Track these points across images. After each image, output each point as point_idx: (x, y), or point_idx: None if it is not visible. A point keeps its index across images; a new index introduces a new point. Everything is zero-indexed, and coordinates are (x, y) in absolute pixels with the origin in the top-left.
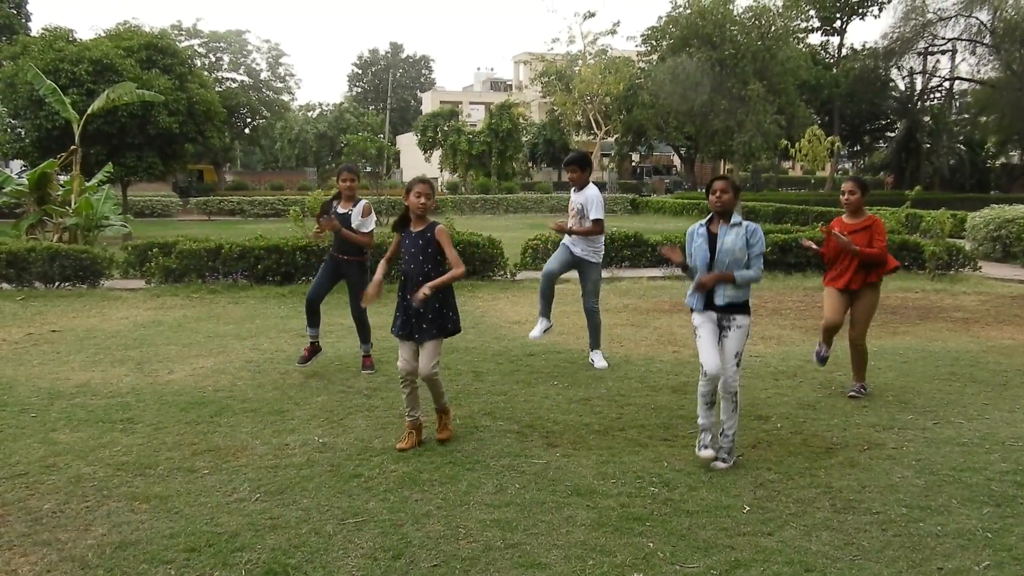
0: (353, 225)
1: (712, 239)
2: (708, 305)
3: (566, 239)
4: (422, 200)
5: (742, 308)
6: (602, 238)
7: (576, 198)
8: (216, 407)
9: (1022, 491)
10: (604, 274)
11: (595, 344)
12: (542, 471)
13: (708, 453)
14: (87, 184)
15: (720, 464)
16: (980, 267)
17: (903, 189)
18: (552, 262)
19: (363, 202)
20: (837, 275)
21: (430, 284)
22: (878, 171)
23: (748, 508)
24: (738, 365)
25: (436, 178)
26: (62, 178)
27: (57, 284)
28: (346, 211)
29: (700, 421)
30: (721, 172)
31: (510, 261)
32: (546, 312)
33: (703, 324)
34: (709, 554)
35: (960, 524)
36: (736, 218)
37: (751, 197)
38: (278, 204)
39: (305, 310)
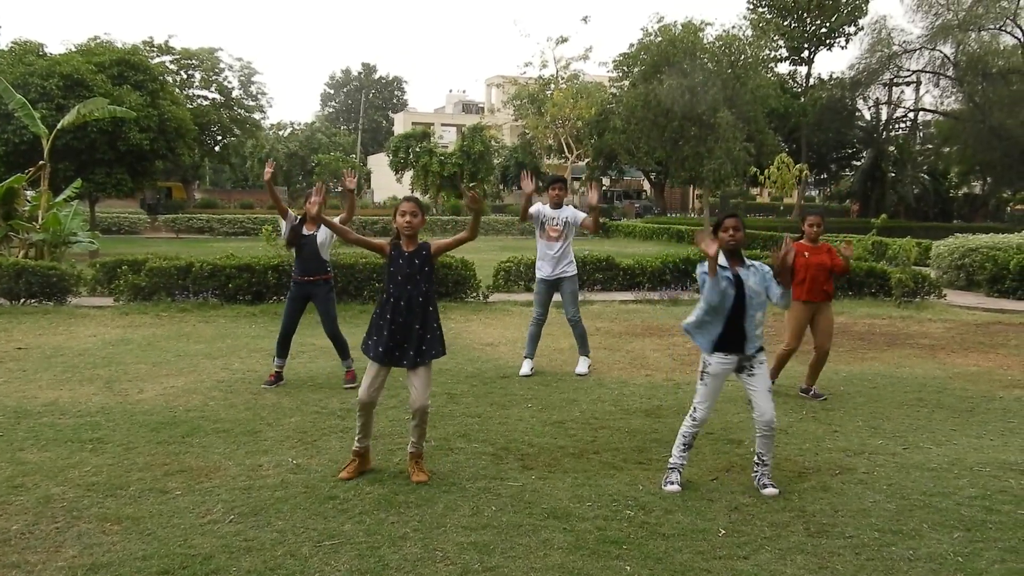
0: (318, 242)
1: (737, 282)
2: (734, 349)
3: (546, 272)
4: (407, 219)
5: (760, 347)
6: (572, 252)
7: (560, 214)
8: (187, 427)
9: (991, 516)
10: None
11: (584, 351)
12: (518, 493)
13: (675, 488)
14: (55, 200)
15: (773, 490)
16: (945, 295)
17: (868, 217)
18: (539, 308)
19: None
20: (810, 288)
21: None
22: (844, 199)
23: (723, 532)
24: (772, 400)
25: None
26: (29, 193)
27: (23, 301)
28: (310, 233)
29: (674, 460)
30: (691, 198)
31: (482, 283)
32: (533, 353)
33: (718, 375)
34: None
35: (931, 548)
36: (748, 260)
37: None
38: (248, 222)
39: (278, 341)
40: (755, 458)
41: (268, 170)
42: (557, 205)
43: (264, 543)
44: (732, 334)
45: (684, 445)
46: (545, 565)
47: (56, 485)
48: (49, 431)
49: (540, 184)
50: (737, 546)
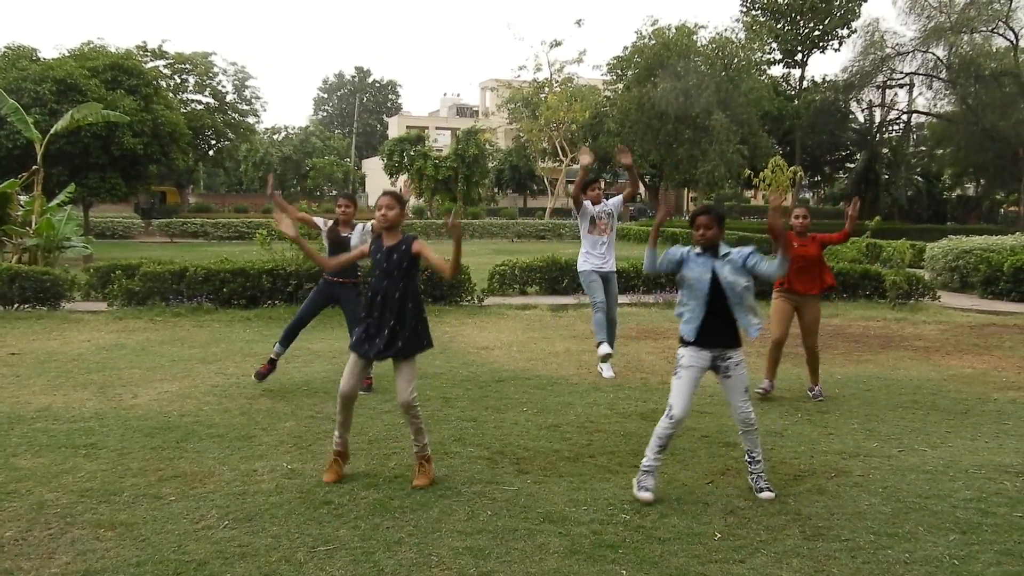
0: (351, 246)
1: (712, 276)
2: (706, 343)
3: (596, 264)
4: (382, 211)
5: (736, 342)
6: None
7: (602, 208)
8: (182, 432)
9: (986, 518)
10: (571, 300)
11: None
12: (513, 498)
13: (647, 496)
14: (48, 205)
15: (769, 494)
16: (939, 297)
17: (862, 219)
18: (599, 295)
19: (360, 225)
20: (793, 279)
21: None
22: (838, 201)
23: (719, 535)
24: (748, 399)
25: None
26: (23, 198)
27: (16, 306)
28: (346, 234)
29: (647, 462)
30: (686, 201)
31: (477, 287)
32: (606, 337)
33: (691, 367)
34: None
35: (927, 551)
36: (723, 248)
37: None
38: (242, 227)
39: (289, 326)
40: (746, 457)
41: (271, 185)
42: (596, 203)
43: (259, 549)
44: (713, 327)
45: (659, 447)
46: (541, 570)
47: (49, 491)
48: (43, 437)
49: (534, 187)
50: (733, 550)
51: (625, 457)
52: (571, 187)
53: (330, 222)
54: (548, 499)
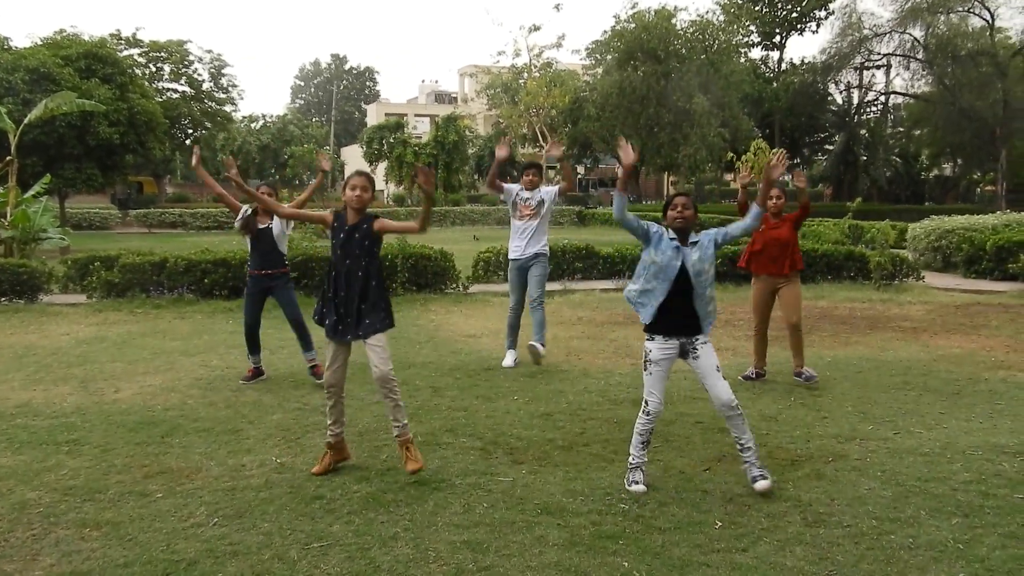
0: (275, 234)
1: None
2: (670, 331)
3: (516, 253)
4: (357, 192)
5: (699, 328)
6: (547, 234)
7: (534, 194)
8: (167, 427)
9: (987, 501)
10: (557, 287)
11: (540, 337)
12: (509, 489)
13: (640, 488)
14: (24, 196)
15: (766, 483)
16: (923, 277)
17: (842, 200)
18: (515, 294)
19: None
20: (768, 262)
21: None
22: (817, 183)
23: (720, 524)
24: (722, 376)
25: (382, 190)
26: None
27: None
28: (265, 225)
29: (633, 460)
30: (667, 185)
31: (462, 274)
32: (515, 344)
33: (661, 360)
34: (685, 572)
35: (931, 536)
36: (693, 236)
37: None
38: (221, 216)
39: (246, 339)
40: (736, 446)
41: (196, 157)
42: (531, 190)
43: (250, 547)
44: (679, 314)
45: (642, 443)
46: (541, 563)
47: (32, 490)
48: (23, 433)
49: (514, 173)
50: (735, 538)
51: (620, 445)
52: (551, 172)
53: (249, 210)
54: (544, 490)
